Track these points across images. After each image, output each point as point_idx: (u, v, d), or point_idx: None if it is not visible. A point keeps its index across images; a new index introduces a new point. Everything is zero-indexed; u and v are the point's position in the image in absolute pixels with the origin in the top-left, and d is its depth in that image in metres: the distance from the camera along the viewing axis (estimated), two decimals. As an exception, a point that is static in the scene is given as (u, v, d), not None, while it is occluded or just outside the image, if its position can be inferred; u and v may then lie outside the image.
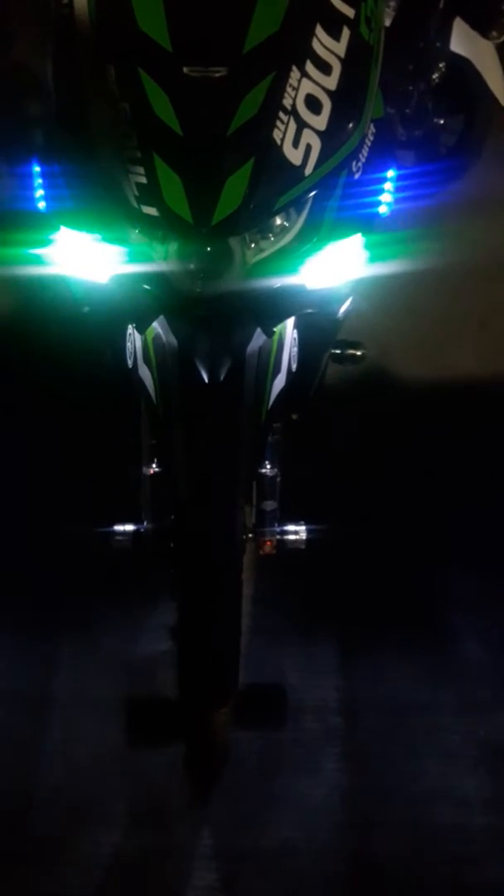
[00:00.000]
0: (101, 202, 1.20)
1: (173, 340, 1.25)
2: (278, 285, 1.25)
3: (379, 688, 1.85)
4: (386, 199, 1.30)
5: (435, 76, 2.92)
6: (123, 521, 1.58)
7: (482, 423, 2.36)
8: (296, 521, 1.61)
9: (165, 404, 1.30)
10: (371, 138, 1.27)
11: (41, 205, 1.28)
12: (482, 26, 2.92)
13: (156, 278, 1.23)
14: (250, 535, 1.57)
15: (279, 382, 1.36)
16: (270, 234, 1.24)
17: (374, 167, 1.28)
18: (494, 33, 3.01)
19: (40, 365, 2.39)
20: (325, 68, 1.16)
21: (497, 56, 2.95)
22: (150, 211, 1.14)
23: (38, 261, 1.31)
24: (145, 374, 1.34)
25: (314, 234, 1.25)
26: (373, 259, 1.32)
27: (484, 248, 2.79)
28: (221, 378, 1.24)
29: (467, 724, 1.79)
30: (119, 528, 1.57)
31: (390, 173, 1.31)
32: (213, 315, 1.23)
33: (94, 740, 1.75)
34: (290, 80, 1.13)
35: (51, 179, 1.25)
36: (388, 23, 2.74)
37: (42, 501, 2.14)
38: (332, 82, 1.16)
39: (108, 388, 1.53)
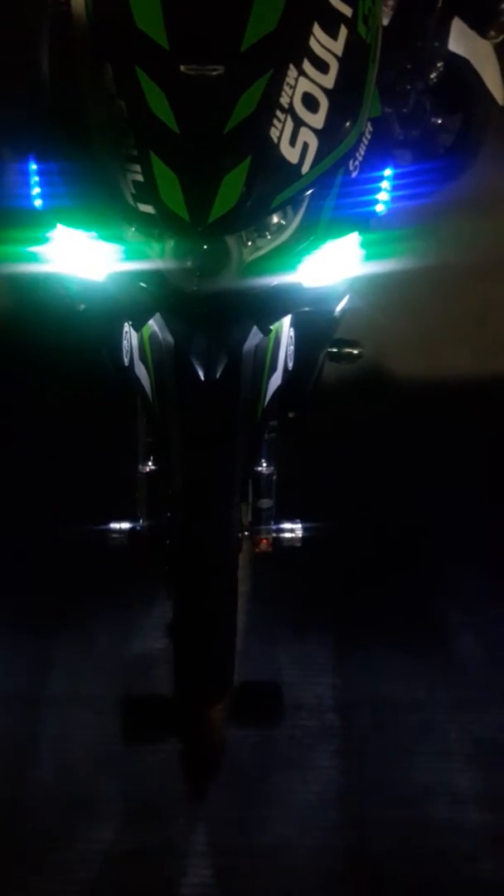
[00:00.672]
0: (98, 200, 1.20)
1: (170, 338, 1.25)
2: (275, 283, 1.25)
3: (374, 685, 1.86)
4: (383, 197, 1.30)
5: (433, 75, 2.93)
6: (119, 519, 1.57)
7: (479, 420, 2.37)
8: (292, 520, 1.61)
9: (162, 402, 1.30)
10: (368, 137, 1.27)
11: (37, 202, 1.27)
12: (480, 26, 2.93)
13: (152, 276, 1.22)
14: (246, 533, 1.58)
15: (275, 381, 1.36)
16: (267, 233, 1.23)
17: (372, 166, 1.28)
18: (493, 33, 3.02)
19: (36, 363, 2.39)
20: (322, 67, 1.16)
21: (495, 56, 2.96)
22: (147, 209, 1.14)
23: (35, 258, 1.31)
24: (141, 371, 1.34)
25: (311, 232, 1.24)
26: (369, 257, 1.31)
27: (481, 247, 2.79)
28: (218, 376, 1.23)
29: (462, 721, 1.80)
30: (115, 525, 1.57)
31: (387, 172, 1.30)
32: (209, 313, 1.23)
33: (89, 738, 1.75)
34: (288, 79, 1.13)
35: (47, 177, 1.25)
36: (386, 22, 2.75)
37: (37, 499, 2.14)
38: (329, 81, 1.16)
39: (104, 386, 1.53)
